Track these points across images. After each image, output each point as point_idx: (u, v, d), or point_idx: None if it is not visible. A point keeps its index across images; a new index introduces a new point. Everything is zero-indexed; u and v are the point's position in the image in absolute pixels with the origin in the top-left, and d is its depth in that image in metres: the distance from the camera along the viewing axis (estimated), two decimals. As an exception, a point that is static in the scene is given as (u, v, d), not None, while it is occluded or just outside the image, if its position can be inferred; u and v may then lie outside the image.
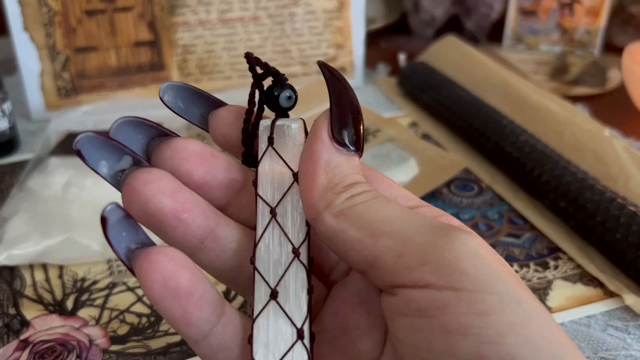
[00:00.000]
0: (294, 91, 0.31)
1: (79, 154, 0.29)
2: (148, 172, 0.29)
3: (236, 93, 0.76)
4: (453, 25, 1.02)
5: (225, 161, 0.31)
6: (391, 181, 0.31)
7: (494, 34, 1.01)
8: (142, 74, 0.77)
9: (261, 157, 0.31)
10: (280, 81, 0.31)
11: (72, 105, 0.75)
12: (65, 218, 0.54)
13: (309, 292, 0.29)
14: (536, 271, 0.52)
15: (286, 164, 0.31)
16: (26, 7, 0.72)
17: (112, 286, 0.50)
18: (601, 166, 0.58)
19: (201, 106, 0.32)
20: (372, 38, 0.95)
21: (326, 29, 0.81)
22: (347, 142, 0.28)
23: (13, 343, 0.45)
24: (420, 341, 0.24)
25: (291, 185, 0.30)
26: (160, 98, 0.32)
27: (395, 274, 0.25)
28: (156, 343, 0.45)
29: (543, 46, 0.95)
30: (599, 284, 0.50)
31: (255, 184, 0.31)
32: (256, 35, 0.78)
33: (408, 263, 0.24)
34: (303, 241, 0.30)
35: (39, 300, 0.49)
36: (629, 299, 0.48)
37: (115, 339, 0.45)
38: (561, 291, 0.50)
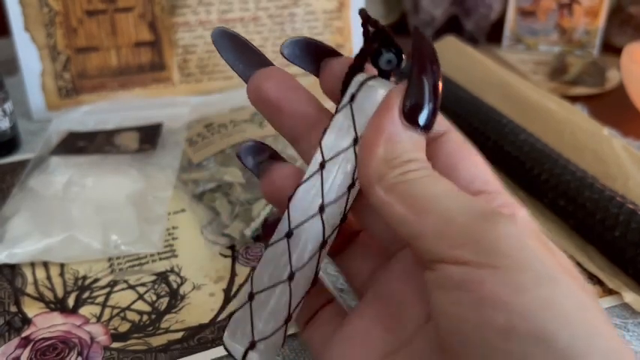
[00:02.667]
0: (399, 56, 0.30)
1: (238, 157, 0.35)
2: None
3: (236, 93, 0.76)
4: (452, 26, 1.03)
5: (306, 95, 0.34)
6: (478, 160, 0.31)
7: (493, 34, 1.01)
8: (143, 74, 0.77)
9: (338, 110, 0.31)
10: (388, 43, 0.30)
11: (73, 105, 0.76)
12: (66, 217, 0.54)
13: (321, 246, 0.31)
14: (536, 269, 0.52)
15: (354, 126, 0.31)
16: (27, 8, 0.72)
17: (112, 284, 0.50)
18: (600, 166, 0.58)
19: (317, 56, 0.34)
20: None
21: (326, 29, 0.81)
22: (418, 121, 0.28)
23: (15, 341, 0.45)
24: (455, 313, 0.25)
25: (348, 148, 0.31)
26: (281, 53, 0.33)
27: (435, 250, 0.26)
28: (157, 341, 0.45)
29: (542, 47, 0.95)
30: (598, 282, 0.50)
31: (323, 131, 0.32)
32: (256, 35, 0.79)
33: (448, 242, 0.25)
34: (333, 202, 0.31)
35: (40, 298, 0.49)
36: (628, 297, 0.48)
37: (116, 336, 0.45)
38: (560, 289, 0.50)
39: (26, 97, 0.76)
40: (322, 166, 0.31)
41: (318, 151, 0.32)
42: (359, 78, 0.31)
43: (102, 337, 0.45)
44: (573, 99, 0.80)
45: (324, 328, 0.35)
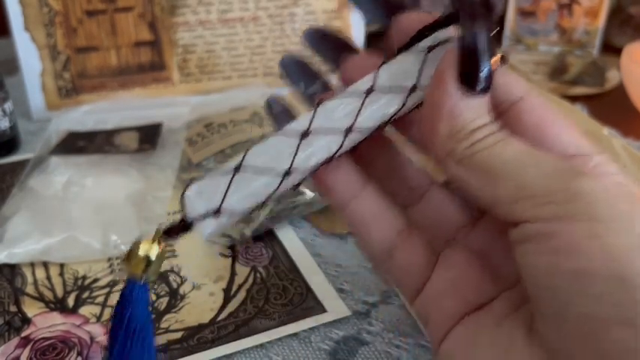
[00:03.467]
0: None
1: (282, 71, 0.35)
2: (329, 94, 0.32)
3: (236, 93, 0.76)
4: (452, 26, 1.02)
5: None
6: (565, 124, 0.29)
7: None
8: (143, 74, 0.77)
9: (411, 50, 0.31)
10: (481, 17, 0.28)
11: (72, 105, 0.76)
12: (66, 217, 0.54)
13: (327, 161, 0.31)
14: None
15: (418, 75, 0.30)
16: (27, 8, 0.72)
17: (112, 284, 0.50)
18: None
19: (335, 50, 0.34)
20: (372, 38, 0.95)
21: (326, 29, 0.81)
22: (475, 86, 0.27)
23: (14, 341, 0.45)
24: (541, 262, 0.25)
25: (401, 92, 0.31)
26: (303, 42, 0.34)
27: (513, 213, 0.26)
28: (156, 341, 0.45)
29: (542, 47, 0.95)
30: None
31: (387, 58, 0.31)
32: (256, 35, 0.79)
33: (525, 204, 0.25)
34: (360, 130, 0.31)
35: (40, 298, 0.49)
36: None
37: (115, 336, 0.45)
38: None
39: (26, 96, 0.76)
40: (369, 92, 0.31)
41: (370, 77, 0.31)
42: (441, 35, 0.30)
43: (102, 337, 0.45)
44: (573, 99, 0.80)
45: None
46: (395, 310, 0.48)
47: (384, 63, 0.31)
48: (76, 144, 0.66)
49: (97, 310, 0.48)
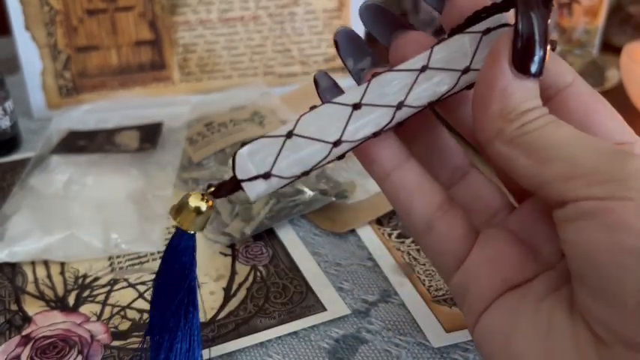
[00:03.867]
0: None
1: (335, 43, 0.36)
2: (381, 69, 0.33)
3: (236, 92, 0.76)
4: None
5: None
6: (611, 111, 0.31)
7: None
8: (143, 73, 0.78)
9: (467, 31, 0.32)
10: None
11: (73, 104, 0.76)
12: (66, 216, 0.55)
13: (375, 135, 0.32)
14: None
15: (473, 55, 0.31)
16: (27, 6, 0.72)
17: (113, 282, 0.50)
18: None
19: (389, 26, 0.36)
20: (372, 38, 0.95)
21: (326, 28, 0.81)
22: (529, 69, 0.28)
23: (15, 339, 0.45)
24: (587, 239, 0.26)
25: (455, 70, 0.32)
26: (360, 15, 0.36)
27: (563, 194, 0.26)
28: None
29: (542, 46, 0.95)
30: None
31: (442, 38, 0.32)
32: (256, 34, 0.79)
33: (578, 183, 0.26)
34: (411, 107, 0.32)
35: (40, 296, 0.49)
36: None
37: (116, 335, 0.45)
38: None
39: (27, 95, 0.76)
40: (423, 69, 0.32)
41: (424, 55, 0.32)
42: (498, 18, 0.31)
43: (102, 336, 0.45)
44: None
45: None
46: (395, 308, 0.48)
47: (438, 42, 0.32)
48: (76, 143, 0.66)
49: (97, 308, 0.48)
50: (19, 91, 0.76)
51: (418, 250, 0.54)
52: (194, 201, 0.34)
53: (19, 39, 0.73)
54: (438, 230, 0.33)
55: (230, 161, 0.34)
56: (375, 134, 0.32)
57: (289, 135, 0.32)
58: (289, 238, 0.55)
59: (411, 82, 0.32)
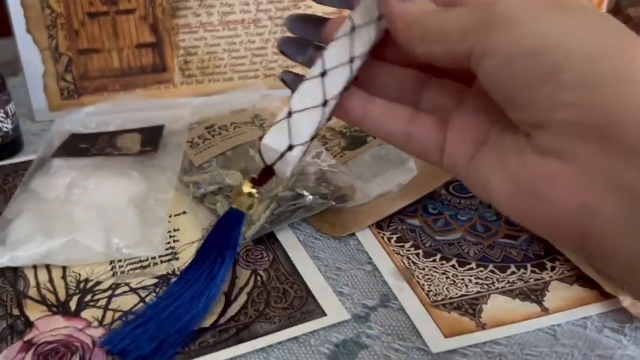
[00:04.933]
0: None
1: (283, 53, 0.45)
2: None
3: (236, 94, 0.77)
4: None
5: None
6: None
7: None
8: (144, 76, 0.78)
9: None
10: None
11: (74, 106, 0.76)
12: (68, 220, 0.55)
13: (345, 88, 0.41)
14: (533, 272, 0.52)
15: (378, 7, 0.40)
16: (29, 10, 0.73)
17: (114, 286, 0.51)
18: None
19: (314, 25, 0.44)
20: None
21: (326, 31, 0.81)
22: None
23: (17, 344, 0.45)
24: (486, 73, 0.34)
25: (373, 24, 0.41)
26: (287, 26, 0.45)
27: (464, 52, 0.34)
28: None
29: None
30: (596, 286, 0.51)
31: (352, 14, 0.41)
32: (257, 37, 0.79)
33: (472, 38, 0.34)
34: (359, 57, 0.41)
35: (42, 301, 0.49)
36: (626, 301, 0.48)
37: (117, 340, 0.46)
38: (558, 292, 0.50)
39: (28, 98, 0.76)
40: (352, 30, 0.41)
41: (348, 21, 0.41)
42: None
43: (104, 341, 0.46)
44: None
45: None
46: (394, 313, 0.48)
47: (352, 10, 0.41)
48: (78, 146, 0.66)
49: (99, 313, 0.48)
50: (20, 94, 0.76)
51: (417, 255, 0.54)
52: (246, 188, 0.45)
53: (21, 42, 0.74)
54: (416, 135, 0.40)
55: (257, 155, 0.45)
56: (346, 88, 0.41)
57: (289, 114, 0.41)
58: (290, 242, 0.56)
59: (349, 42, 0.41)
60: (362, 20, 0.41)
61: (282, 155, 0.41)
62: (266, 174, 0.44)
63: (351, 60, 0.41)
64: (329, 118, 0.43)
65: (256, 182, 0.45)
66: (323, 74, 0.41)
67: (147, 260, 0.53)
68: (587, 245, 0.31)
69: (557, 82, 0.30)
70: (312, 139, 0.42)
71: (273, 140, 0.41)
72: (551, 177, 0.32)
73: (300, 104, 0.42)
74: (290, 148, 0.41)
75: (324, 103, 0.41)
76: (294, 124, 0.41)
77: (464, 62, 0.35)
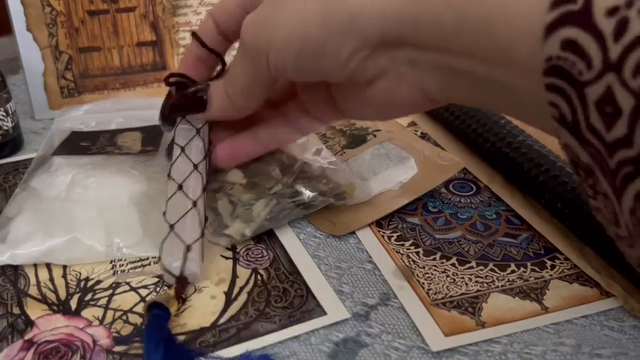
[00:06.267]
0: None
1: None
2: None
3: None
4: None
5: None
6: None
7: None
8: (145, 74, 0.78)
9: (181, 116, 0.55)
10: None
11: (75, 104, 0.76)
12: (69, 218, 0.55)
13: (203, 189, 0.52)
14: (534, 270, 0.52)
15: (198, 128, 0.54)
16: (29, 8, 0.73)
17: (115, 285, 0.51)
18: None
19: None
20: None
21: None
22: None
23: (18, 343, 0.45)
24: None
25: (195, 137, 0.53)
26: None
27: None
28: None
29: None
30: (596, 284, 0.51)
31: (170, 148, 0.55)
32: (257, 35, 0.79)
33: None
34: (202, 160, 0.53)
35: (43, 299, 0.50)
36: (623, 299, 0.48)
37: (118, 339, 0.46)
38: (558, 291, 0.50)
39: (29, 96, 0.76)
40: (182, 149, 0.52)
41: (177, 141, 0.54)
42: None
43: (104, 340, 0.46)
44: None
45: None
46: (394, 312, 0.48)
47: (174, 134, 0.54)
48: (78, 144, 0.66)
49: (99, 312, 0.48)
50: (20, 92, 0.77)
51: (417, 253, 0.54)
52: (170, 304, 0.46)
53: (21, 40, 0.74)
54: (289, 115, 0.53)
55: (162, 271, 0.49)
56: (205, 186, 0.52)
57: (171, 227, 0.49)
58: (289, 240, 0.56)
59: (186, 158, 0.52)
60: (184, 141, 0.52)
61: (185, 259, 0.47)
62: (182, 285, 0.48)
63: (196, 166, 0.51)
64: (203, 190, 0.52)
65: (178, 296, 0.47)
66: (180, 186, 0.50)
67: (147, 259, 0.53)
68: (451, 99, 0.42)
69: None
70: (202, 231, 0.50)
71: (170, 254, 0.48)
72: (391, 90, 0.41)
73: (175, 216, 0.49)
74: (188, 249, 0.48)
75: (194, 203, 0.50)
76: (181, 232, 0.48)
77: (283, 81, 0.50)
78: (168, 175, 0.52)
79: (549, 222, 0.57)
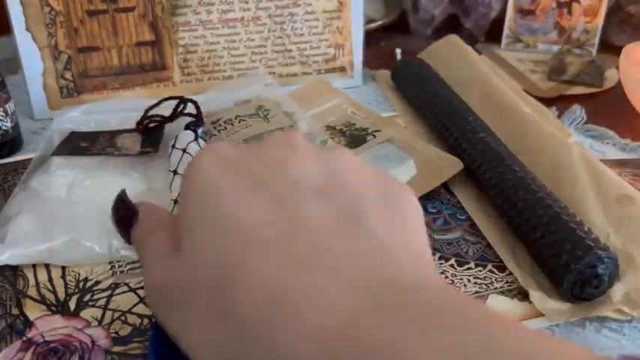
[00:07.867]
0: None
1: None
2: None
3: (240, 81, 0.77)
4: (451, 25, 1.03)
5: None
6: None
7: (492, 33, 1.01)
8: (144, 74, 0.78)
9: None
10: None
11: (74, 104, 0.76)
12: (69, 219, 0.55)
13: None
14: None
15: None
16: (28, 8, 0.73)
17: (113, 286, 0.51)
18: (554, 170, 0.58)
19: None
20: (372, 38, 0.95)
21: (326, 29, 0.81)
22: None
23: (17, 344, 0.45)
24: None
25: None
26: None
27: None
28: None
29: (541, 46, 0.96)
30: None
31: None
32: (257, 35, 0.79)
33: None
34: None
35: (42, 300, 0.50)
36: (535, 296, 0.48)
37: (117, 340, 0.46)
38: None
39: (28, 96, 0.76)
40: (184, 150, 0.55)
41: None
42: None
43: (103, 341, 0.46)
44: (571, 98, 0.81)
45: None
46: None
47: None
48: (78, 144, 0.66)
49: (98, 313, 0.48)
50: (20, 92, 0.77)
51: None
52: None
53: (20, 40, 0.74)
54: None
55: None
56: None
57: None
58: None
59: None
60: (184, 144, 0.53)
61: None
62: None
63: None
64: None
65: None
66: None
67: (146, 259, 0.53)
68: None
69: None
70: None
71: None
72: None
73: None
74: None
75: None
76: None
77: None
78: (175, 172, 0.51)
79: (491, 216, 0.58)
